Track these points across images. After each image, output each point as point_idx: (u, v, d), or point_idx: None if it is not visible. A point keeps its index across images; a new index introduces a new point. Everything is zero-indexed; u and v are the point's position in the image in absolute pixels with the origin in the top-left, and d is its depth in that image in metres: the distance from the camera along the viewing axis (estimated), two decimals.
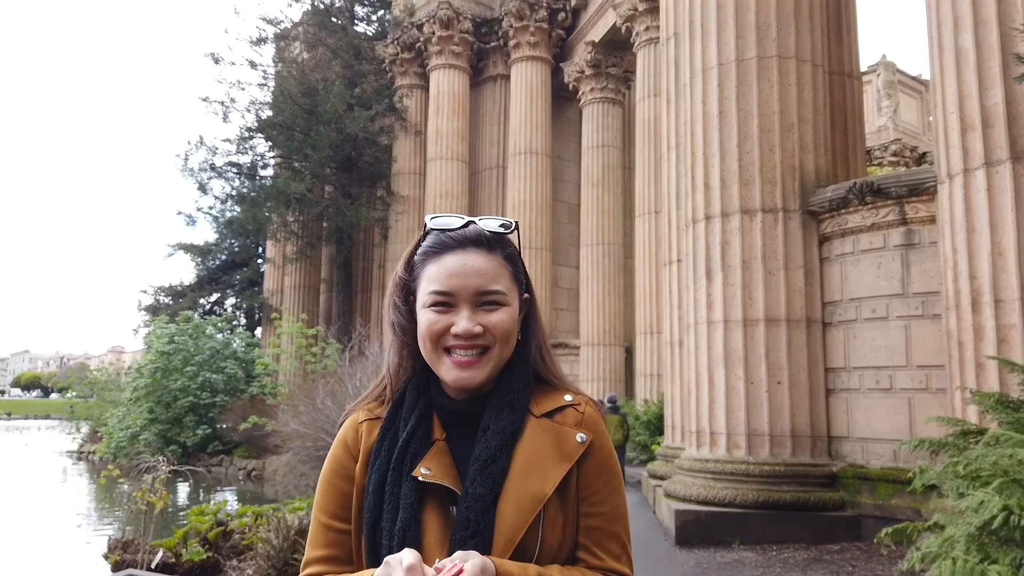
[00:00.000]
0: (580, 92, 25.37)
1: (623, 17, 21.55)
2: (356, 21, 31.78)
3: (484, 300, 1.26)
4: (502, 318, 1.26)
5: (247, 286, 36.58)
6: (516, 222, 1.37)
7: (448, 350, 1.25)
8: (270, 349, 23.75)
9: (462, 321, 1.24)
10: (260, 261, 36.55)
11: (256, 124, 29.11)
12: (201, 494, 21.28)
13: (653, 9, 20.25)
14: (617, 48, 24.05)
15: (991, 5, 6.46)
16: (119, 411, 24.09)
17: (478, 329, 1.24)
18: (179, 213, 32.60)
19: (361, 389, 12.27)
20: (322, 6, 31.22)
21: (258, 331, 34.64)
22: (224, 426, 23.12)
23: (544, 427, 1.27)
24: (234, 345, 24.88)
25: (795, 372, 8.16)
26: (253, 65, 30.27)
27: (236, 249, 36.71)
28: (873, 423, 7.88)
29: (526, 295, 1.37)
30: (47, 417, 71.73)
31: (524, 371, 1.31)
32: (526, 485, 1.21)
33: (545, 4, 25.64)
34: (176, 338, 23.25)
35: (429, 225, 1.32)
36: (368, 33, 31.72)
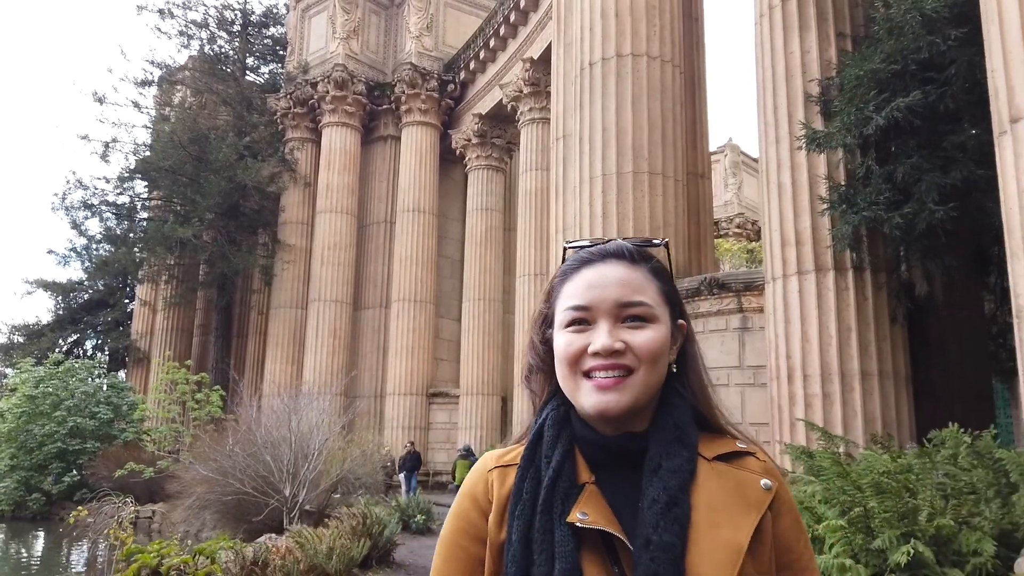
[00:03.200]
0: (467, 158, 27.29)
1: (509, 97, 23.75)
2: (246, 71, 32.31)
3: (627, 314, 1.12)
4: (650, 336, 1.11)
5: (112, 327, 35.30)
6: (667, 240, 1.26)
7: (588, 374, 1.11)
8: (152, 394, 23.43)
9: (601, 337, 1.10)
10: (128, 302, 35.47)
11: (139, 166, 28.84)
12: (64, 545, 20.57)
13: (536, 93, 22.59)
14: (502, 121, 26.23)
15: (803, 155, 8.74)
16: None
17: (619, 345, 1.09)
18: (50, 252, 31.35)
19: (267, 439, 13.09)
20: (211, 53, 31.61)
21: (121, 374, 33.44)
22: (89, 472, 22.43)
23: (719, 471, 1.11)
24: (105, 390, 24.28)
25: None
26: (137, 107, 30.08)
27: (101, 289, 35.44)
28: None
29: (681, 321, 1.20)
30: None
31: (686, 407, 1.15)
32: (717, 535, 1.05)
33: (436, 75, 27.55)
34: (45, 382, 22.52)
35: (567, 246, 1.23)
36: (259, 83, 32.33)
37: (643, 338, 1.11)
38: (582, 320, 1.13)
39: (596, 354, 1.10)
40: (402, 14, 29.11)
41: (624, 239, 1.21)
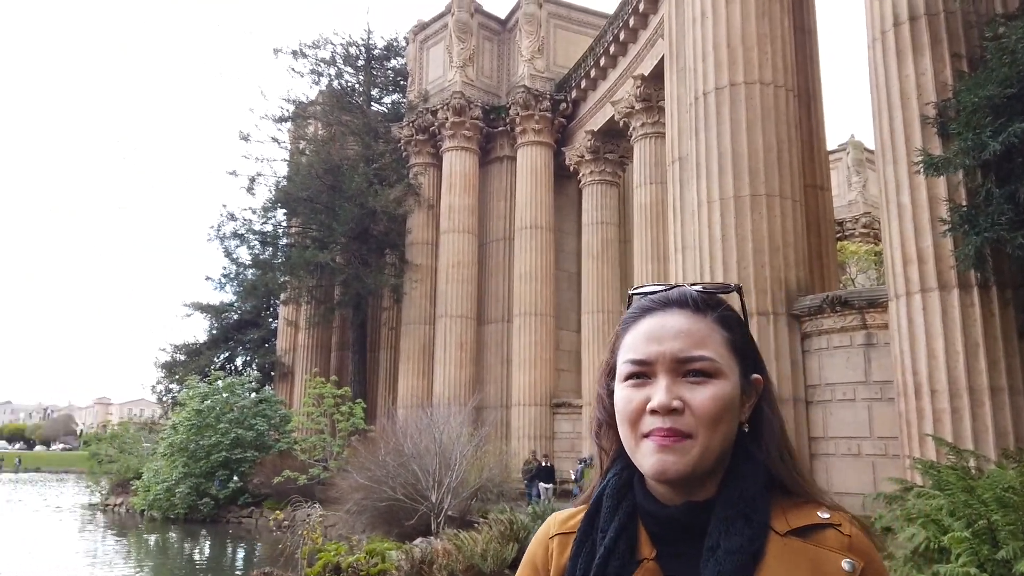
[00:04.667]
0: (580, 174, 28.09)
1: (621, 113, 24.33)
2: (371, 102, 34.51)
3: (687, 369, 1.04)
4: (710, 395, 1.03)
5: (259, 344, 38.44)
6: (738, 285, 1.17)
7: (647, 434, 1.03)
8: (301, 407, 25.62)
9: (659, 394, 1.03)
10: (272, 321, 38.53)
11: (279, 196, 31.43)
12: (229, 544, 22.86)
13: (648, 108, 23.08)
14: (614, 136, 26.84)
15: (921, 175, 8.98)
16: (154, 465, 25.69)
17: (676, 404, 1.02)
18: (207, 278, 34.78)
19: (414, 449, 14.34)
20: (339, 87, 33.99)
21: (266, 388, 36.33)
22: (249, 479, 24.71)
23: (793, 549, 1.00)
24: (259, 404, 26.69)
25: None
26: (276, 142, 32.82)
27: (249, 309, 38.66)
28: (847, 480, 10.13)
29: (756, 376, 1.11)
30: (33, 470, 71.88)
31: (757, 473, 1.05)
32: None
33: (548, 95, 28.53)
34: (209, 397, 25.08)
35: (632, 292, 1.17)
36: (383, 112, 34.45)
37: (703, 396, 1.03)
38: (641, 374, 1.06)
39: (654, 412, 1.02)
40: (514, 39, 30.30)
41: (693, 284, 1.13)
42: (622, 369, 1.08)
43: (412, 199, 30.30)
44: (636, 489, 1.09)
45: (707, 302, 1.10)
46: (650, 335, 1.06)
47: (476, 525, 11.54)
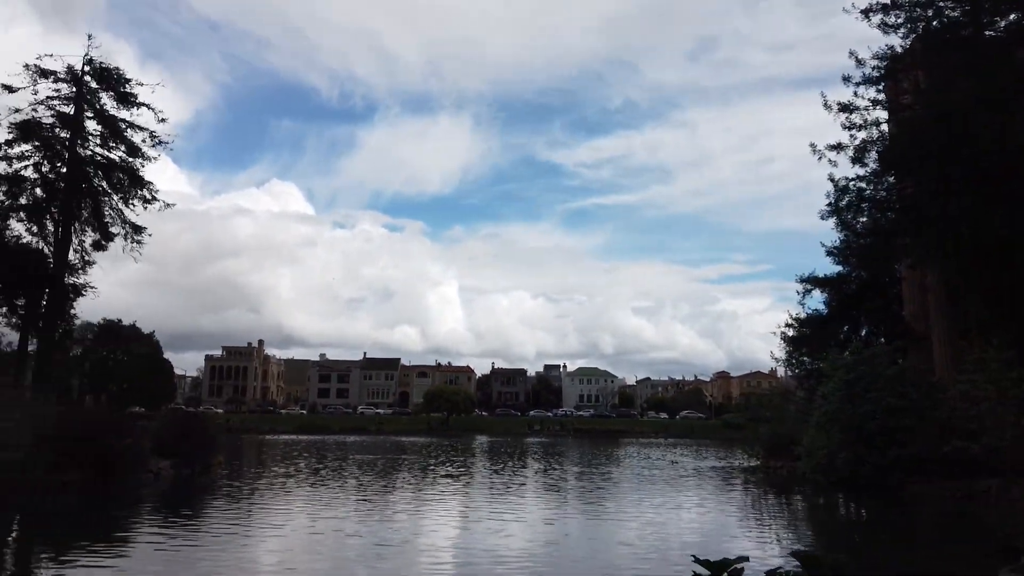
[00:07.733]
0: None
1: None
2: (983, 31, 30.55)
3: None
4: None
5: (882, 311, 37.67)
6: None
7: None
8: (962, 375, 24.39)
9: None
10: (893, 287, 37.33)
11: (887, 159, 30.27)
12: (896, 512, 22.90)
13: None
14: None
15: None
16: (811, 433, 27.72)
17: None
18: (829, 253, 35.74)
19: None
20: (939, 26, 30.95)
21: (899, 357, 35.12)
22: (910, 448, 24.38)
23: None
24: (905, 372, 26.29)
25: None
26: (876, 104, 31.69)
27: (866, 279, 38.21)
28: None
29: None
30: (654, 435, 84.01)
31: None
32: None
33: None
34: (854, 368, 25.84)
35: None
36: (999, 37, 30.11)
37: None
38: None
39: None
40: None
41: None
42: None
43: None
44: None
45: None
46: None
47: None
